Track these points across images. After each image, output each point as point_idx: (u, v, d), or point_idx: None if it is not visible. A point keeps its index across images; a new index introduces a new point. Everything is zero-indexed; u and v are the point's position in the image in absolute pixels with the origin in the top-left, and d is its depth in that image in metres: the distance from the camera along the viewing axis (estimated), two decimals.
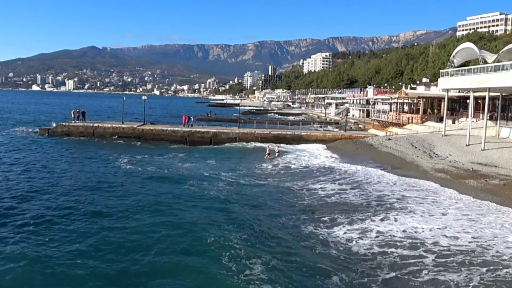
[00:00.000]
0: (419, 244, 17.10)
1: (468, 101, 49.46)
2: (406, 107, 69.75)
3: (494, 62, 40.84)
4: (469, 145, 40.77)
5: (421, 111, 63.14)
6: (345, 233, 18.55)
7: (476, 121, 46.67)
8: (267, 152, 41.59)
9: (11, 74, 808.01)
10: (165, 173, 31.57)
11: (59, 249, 16.05)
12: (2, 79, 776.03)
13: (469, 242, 17.31)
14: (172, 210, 21.72)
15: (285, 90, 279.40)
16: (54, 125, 54.83)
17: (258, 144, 49.42)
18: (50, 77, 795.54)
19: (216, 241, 17.05)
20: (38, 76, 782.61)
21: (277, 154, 41.65)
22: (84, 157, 38.24)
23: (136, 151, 42.71)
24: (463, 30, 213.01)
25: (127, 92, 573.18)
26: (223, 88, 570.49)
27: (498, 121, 45.47)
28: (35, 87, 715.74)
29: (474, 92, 45.18)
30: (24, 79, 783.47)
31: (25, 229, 17.99)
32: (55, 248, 16.10)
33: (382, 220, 20.18)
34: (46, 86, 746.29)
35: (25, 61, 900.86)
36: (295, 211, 22.22)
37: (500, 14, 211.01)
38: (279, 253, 16.13)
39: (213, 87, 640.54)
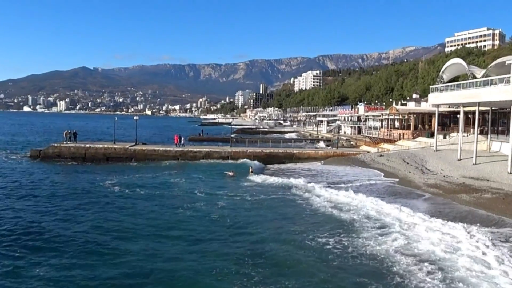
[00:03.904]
0: None
1: (458, 116, 49.68)
2: (397, 123, 69.95)
3: (483, 77, 41.36)
4: (460, 159, 40.91)
5: (412, 127, 63.37)
6: None
7: (467, 135, 46.86)
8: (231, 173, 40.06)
9: (2, 96, 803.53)
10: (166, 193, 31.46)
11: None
12: None
13: None
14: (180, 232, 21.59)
15: (276, 109, 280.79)
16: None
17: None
18: (41, 98, 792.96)
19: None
20: (29, 97, 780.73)
21: (251, 172, 40.37)
22: (79, 185, 35.23)
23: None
24: (451, 46, 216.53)
25: (118, 113, 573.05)
26: (215, 107, 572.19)
27: (489, 135, 45.79)
28: (26, 108, 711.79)
29: (464, 107, 45.53)
30: (16, 100, 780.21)
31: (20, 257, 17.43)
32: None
33: None
34: (37, 107, 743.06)
35: (16, 82, 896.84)
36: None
37: (488, 29, 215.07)
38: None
39: (205, 107, 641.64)
